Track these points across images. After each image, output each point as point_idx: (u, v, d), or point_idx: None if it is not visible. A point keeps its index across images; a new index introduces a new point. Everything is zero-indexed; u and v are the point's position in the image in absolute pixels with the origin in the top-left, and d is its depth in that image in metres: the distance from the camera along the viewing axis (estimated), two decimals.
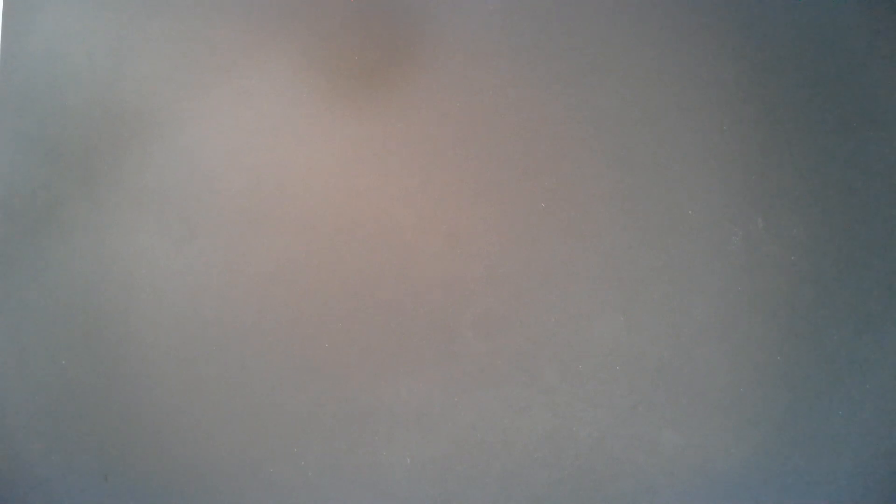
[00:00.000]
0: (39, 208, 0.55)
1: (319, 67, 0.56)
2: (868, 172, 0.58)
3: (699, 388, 0.56)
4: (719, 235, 0.57)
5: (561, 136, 0.55)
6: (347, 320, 0.55)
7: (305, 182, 0.55)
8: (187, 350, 0.54)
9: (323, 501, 0.54)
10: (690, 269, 0.57)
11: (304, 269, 0.55)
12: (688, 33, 0.58)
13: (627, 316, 0.55)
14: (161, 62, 0.56)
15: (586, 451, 0.54)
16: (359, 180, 0.55)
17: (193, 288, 0.54)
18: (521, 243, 0.55)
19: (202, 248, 0.55)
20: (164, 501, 0.51)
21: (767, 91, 0.58)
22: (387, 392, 0.55)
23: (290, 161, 0.53)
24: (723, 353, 0.56)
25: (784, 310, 0.57)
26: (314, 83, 0.56)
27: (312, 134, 0.55)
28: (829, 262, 0.57)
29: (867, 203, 0.58)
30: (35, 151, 0.55)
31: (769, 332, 0.57)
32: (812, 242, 0.57)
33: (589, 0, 0.58)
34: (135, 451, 0.53)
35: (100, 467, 0.53)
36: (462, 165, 0.56)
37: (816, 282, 0.57)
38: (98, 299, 0.54)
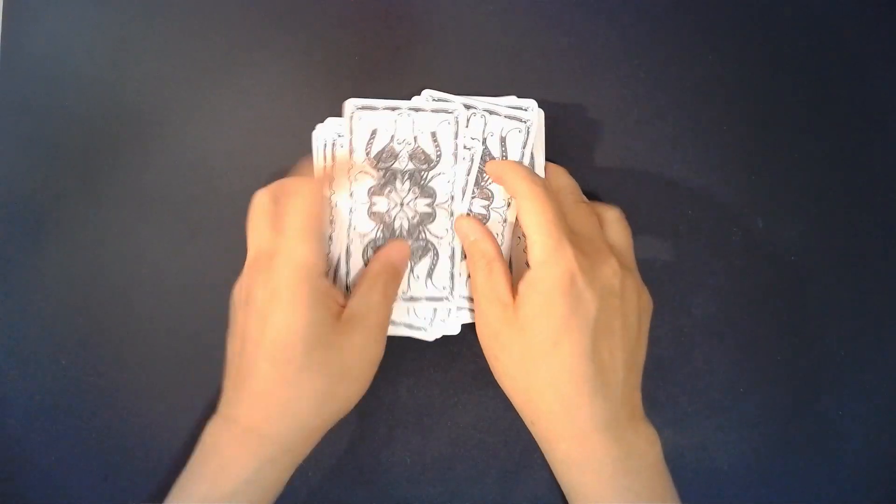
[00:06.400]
0: (39, 208, 0.55)
1: (319, 67, 0.56)
2: (868, 172, 0.58)
3: (699, 388, 0.56)
4: (719, 235, 0.57)
5: (561, 136, 0.55)
6: None
7: None
8: (187, 350, 0.54)
9: (323, 501, 0.54)
10: (690, 269, 0.57)
11: None
12: (687, 33, 0.58)
13: None
14: (161, 62, 0.56)
15: None
16: None
17: (193, 288, 0.54)
18: None
19: (202, 248, 0.55)
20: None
21: (767, 91, 0.58)
22: (387, 392, 0.55)
23: (290, 161, 0.53)
24: (723, 353, 0.56)
25: (784, 310, 0.57)
26: (314, 83, 0.56)
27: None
28: (829, 262, 0.57)
29: (867, 203, 0.58)
30: (35, 151, 0.55)
31: (769, 332, 0.57)
32: (812, 242, 0.57)
33: (589, 0, 0.58)
34: (135, 451, 0.53)
35: (100, 467, 0.53)
36: None
37: (816, 282, 0.57)
38: (98, 299, 0.54)
